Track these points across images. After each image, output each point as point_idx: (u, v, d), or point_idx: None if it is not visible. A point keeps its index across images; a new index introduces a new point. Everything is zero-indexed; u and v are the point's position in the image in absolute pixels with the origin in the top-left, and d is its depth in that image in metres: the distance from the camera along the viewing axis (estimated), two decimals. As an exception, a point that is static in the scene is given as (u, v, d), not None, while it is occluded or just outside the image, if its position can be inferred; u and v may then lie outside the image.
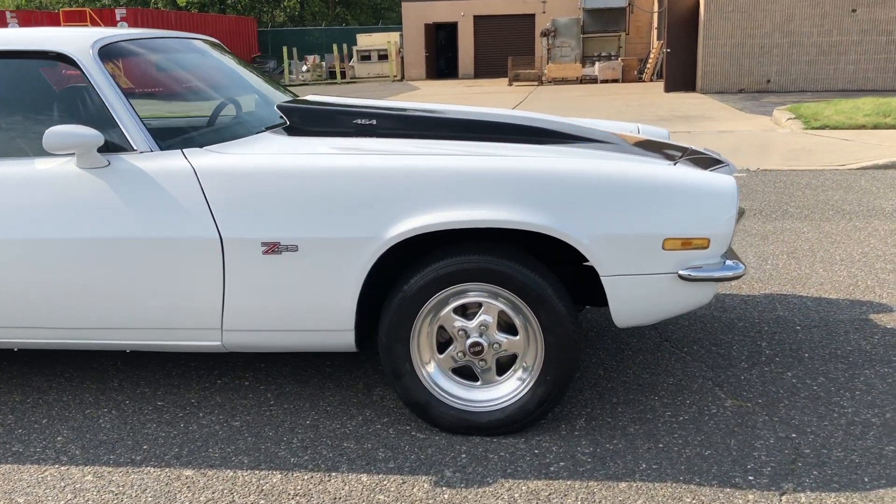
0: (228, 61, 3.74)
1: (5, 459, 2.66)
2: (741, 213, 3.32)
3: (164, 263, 2.62)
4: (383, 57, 31.54)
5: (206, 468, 2.58)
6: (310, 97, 3.49)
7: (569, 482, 2.44)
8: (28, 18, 27.03)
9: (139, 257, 2.63)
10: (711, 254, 2.54)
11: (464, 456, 2.61)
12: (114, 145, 2.68)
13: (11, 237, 2.67)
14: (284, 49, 31.20)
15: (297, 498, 2.40)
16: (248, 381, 3.22)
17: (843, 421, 2.76)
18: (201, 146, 2.74)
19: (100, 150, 2.66)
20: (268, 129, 3.12)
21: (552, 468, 2.52)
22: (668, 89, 19.28)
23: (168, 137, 2.74)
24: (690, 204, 2.52)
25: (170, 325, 2.73)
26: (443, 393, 2.72)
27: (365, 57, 31.93)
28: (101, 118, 2.70)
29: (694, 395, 2.99)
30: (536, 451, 2.62)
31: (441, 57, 32.47)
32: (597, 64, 25.04)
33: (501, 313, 2.65)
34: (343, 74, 30.88)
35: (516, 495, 2.38)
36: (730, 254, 2.87)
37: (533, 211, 2.48)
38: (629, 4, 26.57)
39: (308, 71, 31.33)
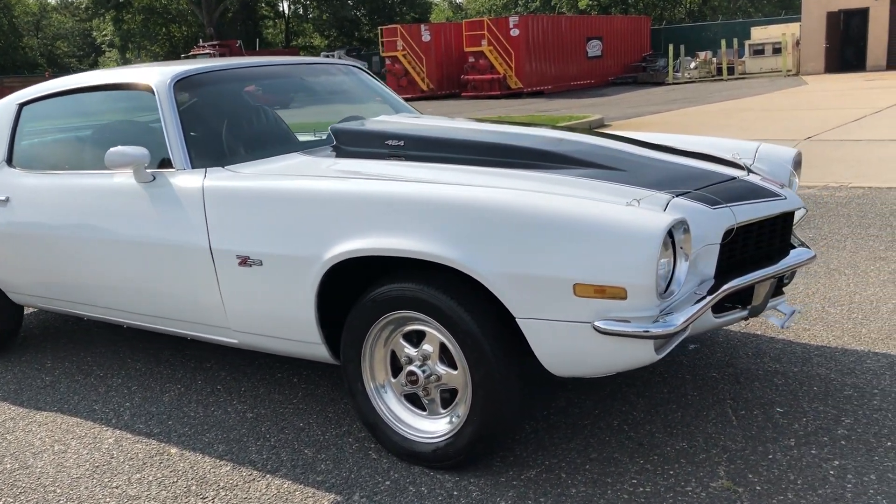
0: (351, 83, 4.06)
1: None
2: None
3: (177, 265, 3.01)
4: (777, 50, 29.23)
5: (188, 450, 2.94)
6: (382, 117, 3.64)
7: (446, 531, 2.31)
8: (438, 30, 30.35)
9: (162, 257, 3.05)
10: (638, 305, 2.18)
11: (388, 483, 2.60)
12: (165, 162, 3.15)
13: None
14: (671, 47, 30.59)
15: (222, 491, 2.64)
16: (296, 378, 3.52)
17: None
18: (224, 166, 3.08)
19: (159, 166, 3.15)
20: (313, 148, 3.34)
21: (451, 513, 2.41)
22: None
23: (204, 157, 3.12)
24: (603, 248, 2.18)
25: (193, 319, 3.14)
26: (390, 417, 2.72)
27: (757, 51, 29.93)
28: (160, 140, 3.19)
29: (686, 468, 2.55)
30: (455, 492, 2.51)
31: (847, 48, 29.00)
32: None
33: (443, 345, 2.57)
34: (731, 70, 29.33)
35: (389, 532, 2.34)
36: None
37: (443, 243, 2.37)
38: None
39: (696, 68, 30.31)
